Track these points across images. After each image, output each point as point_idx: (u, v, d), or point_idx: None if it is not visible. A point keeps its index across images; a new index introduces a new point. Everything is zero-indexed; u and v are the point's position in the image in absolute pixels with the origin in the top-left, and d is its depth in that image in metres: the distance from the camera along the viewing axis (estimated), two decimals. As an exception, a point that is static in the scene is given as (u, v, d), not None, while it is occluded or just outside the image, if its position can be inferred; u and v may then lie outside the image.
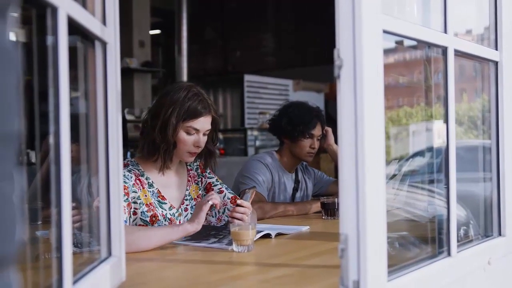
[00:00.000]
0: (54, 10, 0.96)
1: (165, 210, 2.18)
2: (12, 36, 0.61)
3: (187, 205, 2.27)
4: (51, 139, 0.96)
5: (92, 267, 1.22)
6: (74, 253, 1.02)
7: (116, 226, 1.35)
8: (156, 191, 2.18)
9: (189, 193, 2.30)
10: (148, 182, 2.18)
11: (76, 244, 1.24)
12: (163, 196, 2.19)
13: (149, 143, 2.16)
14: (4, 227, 0.54)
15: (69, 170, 0.99)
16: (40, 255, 1.19)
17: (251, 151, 7.10)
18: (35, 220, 1.78)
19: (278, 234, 2.14)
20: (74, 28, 1.07)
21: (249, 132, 7.24)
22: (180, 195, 2.27)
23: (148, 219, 2.11)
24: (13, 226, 0.56)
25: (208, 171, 2.37)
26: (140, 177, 2.16)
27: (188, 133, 2.15)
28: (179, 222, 2.20)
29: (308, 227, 2.31)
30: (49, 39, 0.98)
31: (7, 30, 0.59)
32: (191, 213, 2.25)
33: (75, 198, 1.03)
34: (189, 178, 2.32)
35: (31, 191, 1.92)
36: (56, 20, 0.96)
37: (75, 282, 1.05)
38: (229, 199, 2.30)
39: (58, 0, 0.96)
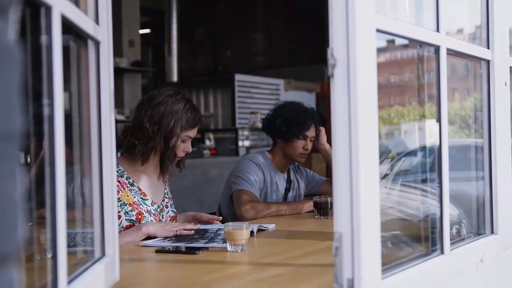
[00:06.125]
0: (48, 9, 0.95)
1: (148, 206, 2.24)
2: (14, 35, 0.61)
3: (167, 202, 2.37)
4: (46, 140, 0.95)
5: (86, 267, 1.21)
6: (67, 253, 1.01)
7: (109, 226, 1.34)
8: (137, 189, 2.24)
9: (167, 192, 2.40)
10: (129, 182, 2.23)
11: (69, 244, 1.24)
12: (144, 193, 2.26)
13: (148, 149, 2.20)
14: (7, 225, 0.55)
15: (63, 171, 0.98)
16: (34, 255, 1.19)
17: (242, 151, 7.09)
18: (27, 221, 1.77)
19: (259, 230, 2.19)
20: (67, 27, 1.07)
21: (240, 132, 7.22)
22: (160, 193, 2.35)
23: (134, 217, 2.15)
24: (16, 224, 0.56)
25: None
26: (120, 178, 2.19)
27: (183, 141, 2.25)
28: (162, 218, 2.30)
29: (274, 225, 2.33)
30: (43, 38, 0.97)
31: (8, 29, 0.59)
32: (172, 210, 2.37)
33: (67, 199, 1.03)
34: (166, 179, 2.41)
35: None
36: (50, 20, 0.96)
37: (69, 282, 1.05)
38: (170, 217, 2.37)
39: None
